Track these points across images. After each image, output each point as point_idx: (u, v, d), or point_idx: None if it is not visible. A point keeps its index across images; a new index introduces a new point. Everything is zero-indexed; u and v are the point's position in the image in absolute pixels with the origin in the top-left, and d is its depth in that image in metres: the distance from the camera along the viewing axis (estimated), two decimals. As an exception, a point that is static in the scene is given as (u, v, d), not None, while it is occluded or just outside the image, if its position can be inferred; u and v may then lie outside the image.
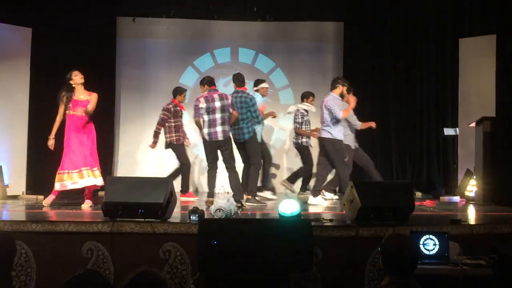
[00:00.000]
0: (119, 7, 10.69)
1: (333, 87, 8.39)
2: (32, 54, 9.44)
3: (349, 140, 8.94)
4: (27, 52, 9.37)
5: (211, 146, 7.79)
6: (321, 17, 11.06)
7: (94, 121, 10.16)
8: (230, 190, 9.48)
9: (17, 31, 9.28)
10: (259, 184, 8.75)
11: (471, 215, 7.36)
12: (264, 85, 9.27)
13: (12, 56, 9.22)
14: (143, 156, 10.70)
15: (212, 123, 7.73)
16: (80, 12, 10.09)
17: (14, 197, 8.69)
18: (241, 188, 7.88)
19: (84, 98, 7.54)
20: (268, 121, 9.85)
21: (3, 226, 5.43)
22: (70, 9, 10.00)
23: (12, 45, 9.24)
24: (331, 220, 5.97)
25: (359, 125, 9.13)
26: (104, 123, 10.46)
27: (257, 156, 8.34)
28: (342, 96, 8.41)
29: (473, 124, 8.75)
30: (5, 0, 9.28)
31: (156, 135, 8.97)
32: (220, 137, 7.73)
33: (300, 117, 9.67)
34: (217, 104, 7.77)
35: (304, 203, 7.87)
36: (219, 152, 7.88)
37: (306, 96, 9.85)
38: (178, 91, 9.28)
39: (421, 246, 4.94)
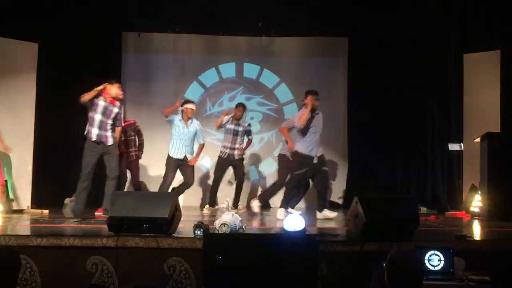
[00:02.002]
0: (125, 23, 10.75)
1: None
2: (38, 69, 9.48)
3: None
4: (33, 67, 9.41)
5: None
6: (326, 33, 11.09)
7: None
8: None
9: (23, 46, 9.33)
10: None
11: (476, 230, 7.33)
12: (189, 105, 9.14)
13: (18, 71, 9.26)
14: (149, 171, 10.72)
15: None
16: (86, 27, 10.16)
17: (19, 211, 8.70)
18: None
19: None
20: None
21: (8, 240, 5.44)
22: (76, 24, 10.07)
23: (18, 60, 9.28)
24: (335, 235, 5.96)
25: None
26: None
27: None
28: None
29: (478, 140, 8.74)
30: (12, 15, 9.36)
31: None
32: None
33: None
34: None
35: None
36: None
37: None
38: None
39: (426, 261, 4.92)
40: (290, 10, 10.65)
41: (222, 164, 9.73)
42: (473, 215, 8.69)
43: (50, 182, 9.64)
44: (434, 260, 4.95)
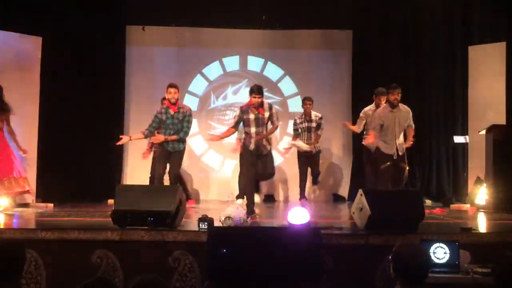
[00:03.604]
0: (129, 16, 10.73)
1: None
2: (42, 63, 9.48)
3: None
4: (37, 61, 9.41)
5: None
6: (330, 25, 11.05)
7: (103, 129, 10.28)
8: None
9: (27, 40, 9.33)
10: None
11: (482, 223, 7.32)
12: None
13: (22, 65, 9.26)
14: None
15: None
16: (90, 21, 10.14)
17: (25, 205, 8.71)
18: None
19: None
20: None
21: (14, 234, 5.45)
22: (80, 18, 10.06)
23: (22, 54, 9.28)
24: (340, 229, 5.95)
25: None
26: (113, 131, 10.52)
27: None
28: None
29: (483, 132, 8.72)
30: (16, 9, 9.34)
31: None
32: None
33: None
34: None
35: None
36: None
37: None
38: None
39: (431, 254, 4.92)
40: (294, 3, 10.63)
41: (304, 159, 9.59)
42: (478, 208, 8.67)
43: (55, 176, 9.64)
44: (439, 253, 4.95)
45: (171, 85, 7.94)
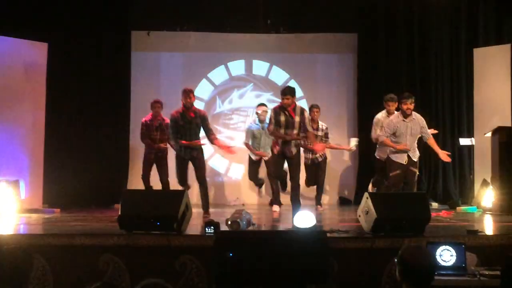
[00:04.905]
0: (134, 21, 10.76)
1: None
2: (48, 69, 9.51)
3: None
4: (44, 67, 9.45)
5: None
6: (335, 29, 11.06)
7: (109, 134, 10.31)
8: (245, 202, 9.65)
9: (33, 46, 9.36)
10: None
11: (488, 225, 7.30)
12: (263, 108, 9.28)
13: (28, 71, 9.29)
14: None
15: None
16: (95, 26, 10.20)
17: (31, 210, 8.74)
18: None
19: None
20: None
21: (20, 239, 5.47)
22: (85, 23, 10.11)
23: (28, 60, 9.31)
24: (346, 232, 5.95)
25: None
26: (119, 137, 10.56)
27: None
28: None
29: (489, 134, 8.70)
30: (22, 15, 9.40)
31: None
32: None
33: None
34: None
35: None
36: None
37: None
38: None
39: (437, 257, 4.91)
40: (298, 7, 10.65)
41: (308, 169, 9.55)
42: (485, 210, 8.65)
43: (62, 181, 9.68)
44: (446, 256, 4.94)
45: (191, 90, 7.88)
